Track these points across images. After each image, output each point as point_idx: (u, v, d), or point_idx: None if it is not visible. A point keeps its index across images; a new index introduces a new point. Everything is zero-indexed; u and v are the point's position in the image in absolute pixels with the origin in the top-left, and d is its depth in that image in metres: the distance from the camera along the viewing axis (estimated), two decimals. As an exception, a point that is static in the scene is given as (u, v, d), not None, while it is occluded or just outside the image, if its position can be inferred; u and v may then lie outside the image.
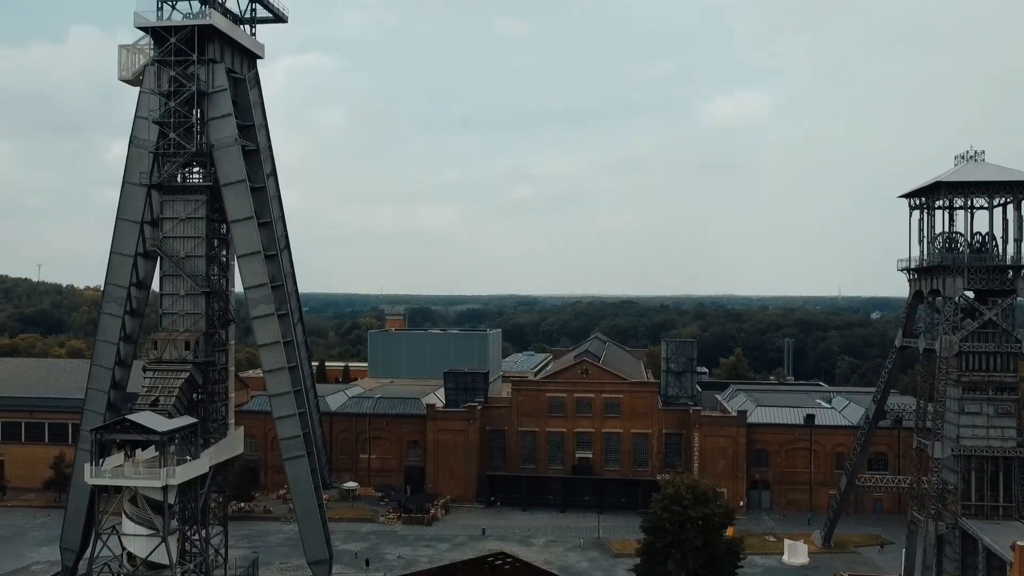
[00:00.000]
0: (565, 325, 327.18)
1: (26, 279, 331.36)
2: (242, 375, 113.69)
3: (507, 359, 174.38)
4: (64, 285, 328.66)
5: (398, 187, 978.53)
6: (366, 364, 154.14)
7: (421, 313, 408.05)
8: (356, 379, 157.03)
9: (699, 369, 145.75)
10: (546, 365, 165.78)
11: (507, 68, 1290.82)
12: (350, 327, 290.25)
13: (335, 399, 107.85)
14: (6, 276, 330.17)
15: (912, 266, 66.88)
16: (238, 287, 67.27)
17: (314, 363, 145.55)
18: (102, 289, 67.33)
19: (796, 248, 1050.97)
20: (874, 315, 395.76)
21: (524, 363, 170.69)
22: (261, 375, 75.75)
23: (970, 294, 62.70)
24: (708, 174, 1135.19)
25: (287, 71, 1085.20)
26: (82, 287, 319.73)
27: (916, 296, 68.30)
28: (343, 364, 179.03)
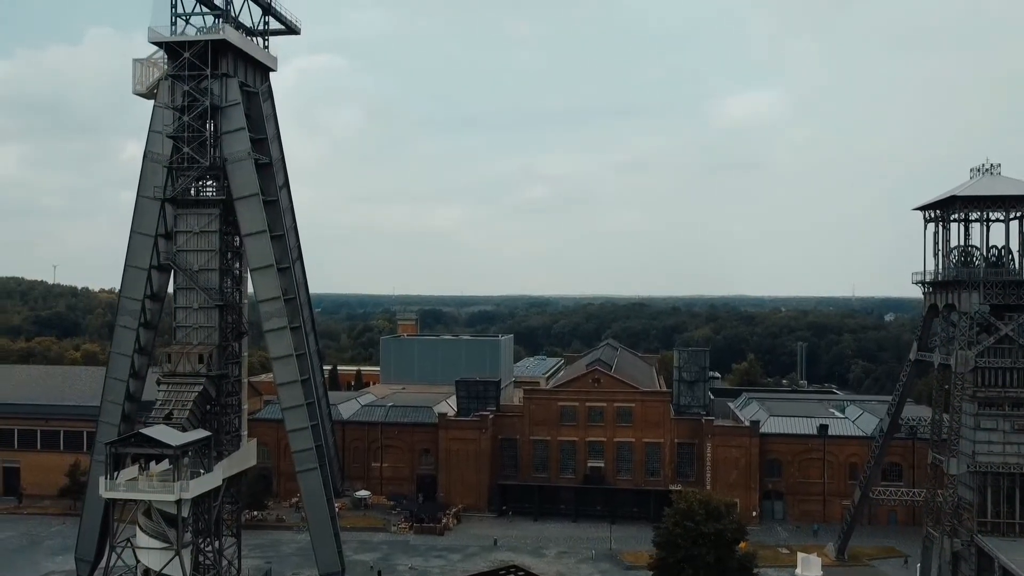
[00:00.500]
0: (577, 328, 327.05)
1: (42, 281, 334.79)
2: (254, 380, 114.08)
3: (519, 364, 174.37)
4: (79, 287, 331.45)
5: (408, 187, 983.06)
6: (378, 368, 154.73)
7: (433, 315, 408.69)
8: (368, 383, 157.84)
9: (712, 374, 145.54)
10: (558, 370, 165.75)
11: (515, 68, 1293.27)
12: (362, 330, 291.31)
13: (347, 407, 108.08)
14: (22, 278, 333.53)
15: (927, 279, 66.36)
16: (249, 288, 67.55)
17: (327, 367, 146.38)
18: (117, 298, 67.90)
19: (809, 248, 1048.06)
20: (888, 317, 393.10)
21: (536, 368, 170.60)
22: (272, 379, 75.91)
23: (986, 308, 62.07)
24: (719, 174, 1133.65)
25: (297, 72, 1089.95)
26: (97, 289, 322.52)
27: (931, 310, 67.78)
28: (355, 368, 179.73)
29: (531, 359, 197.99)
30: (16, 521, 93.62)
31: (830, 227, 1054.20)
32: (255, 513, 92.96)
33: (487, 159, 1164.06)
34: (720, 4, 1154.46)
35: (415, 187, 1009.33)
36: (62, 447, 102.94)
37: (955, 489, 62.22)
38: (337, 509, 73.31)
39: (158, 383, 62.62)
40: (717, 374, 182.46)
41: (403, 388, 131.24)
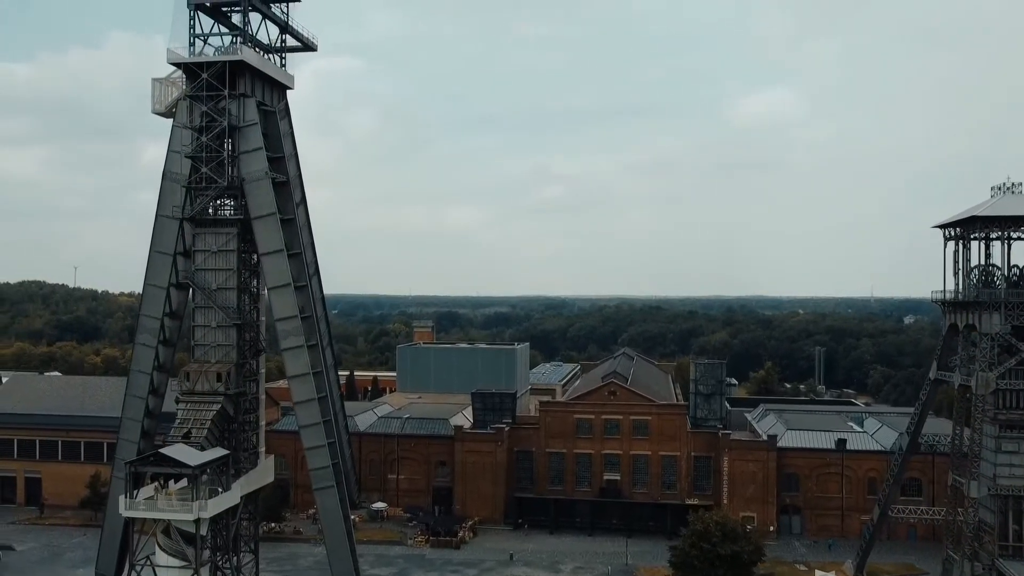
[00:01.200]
0: (593, 331, 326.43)
1: (63, 285, 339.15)
2: (270, 387, 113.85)
3: (534, 370, 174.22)
4: (100, 291, 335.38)
5: (424, 188, 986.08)
6: (395, 374, 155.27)
7: (449, 317, 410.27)
8: (385, 389, 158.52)
9: (729, 380, 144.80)
10: (574, 377, 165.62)
11: (529, 69, 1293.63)
12: (379, 333, 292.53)
13: (364, 419, 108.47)
14: (44, 281, 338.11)
15: (947, 299, 65.60)
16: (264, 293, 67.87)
17: (344, 372, 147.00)
18: (138, 302, 68.51)
19: (827, 248, 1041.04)
20: (907, 319, 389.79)
21: (552, 375, 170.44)
22: (288, 385, 75.94)
23: (1007, 329, 61.23)
24: (736, 173, 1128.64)
25: (314, 74, 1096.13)
26: (117, 292, 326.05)
27: (951, 329, 66.95)
28: (372, 374, 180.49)
29: (547, 365, 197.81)
30: (38, 532, 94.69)
31: (848, 226, 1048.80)
32: (272, 525, 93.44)
33: (502, 159, 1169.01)
34: (735, 3, 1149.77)
35: (431, 187, 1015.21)
36: (83, 458, 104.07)
37: (976, 512, 61.53)
38: (354, 521, 73.36)
39: (177, 401, 63.15)
40: (734, 380, 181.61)
41: (419, 397, 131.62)
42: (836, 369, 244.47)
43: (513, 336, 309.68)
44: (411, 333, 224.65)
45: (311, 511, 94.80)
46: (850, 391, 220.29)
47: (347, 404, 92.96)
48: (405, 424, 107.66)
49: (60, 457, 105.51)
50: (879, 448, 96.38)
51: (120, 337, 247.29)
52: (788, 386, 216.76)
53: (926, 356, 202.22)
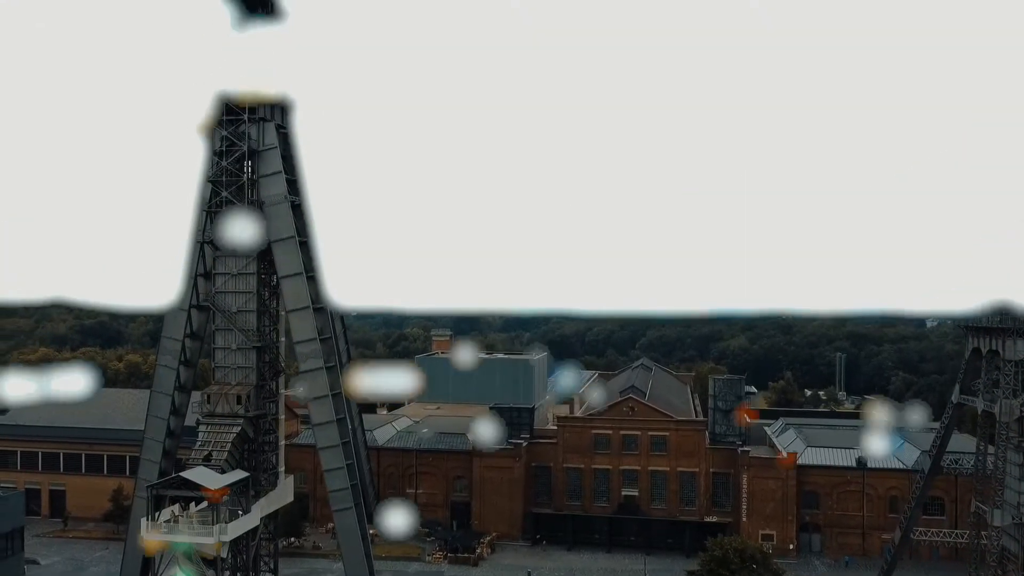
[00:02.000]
0: (611, 336, 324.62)
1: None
2: (289, 394, 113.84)
3: (552, 378, 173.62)
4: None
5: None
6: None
7: (467, 320, 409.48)
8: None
9: (748, 390, 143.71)
10: (592, 386, 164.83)
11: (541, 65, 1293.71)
12: (397, 338, 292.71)
13: (383, 432, 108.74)
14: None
15: (969, 323, 64.91)
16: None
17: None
18: (159, 333, 69.23)
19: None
20: (930, 323, 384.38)
21: (570, 383, 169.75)
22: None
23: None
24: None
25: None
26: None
27: (974, 353, 66.25)
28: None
29: (565, 373, 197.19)
30: (61, 545, 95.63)
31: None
32: (292, 540, 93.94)
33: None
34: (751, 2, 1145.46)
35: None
36: (106, 471, 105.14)
37: (999, 540, 60.81)
38: (372, 536, 73.57)
39: (197, 424, 63.76)
40: (753, 389, 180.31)
41: (437, 408, 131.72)
42: (857, 375, 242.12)
43: (531, 340, 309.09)
44: (429, 338, 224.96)
45: (331, 525, 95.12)
46: (871, 398, 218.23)
47: (366, 417, 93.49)
48: (423, 438, 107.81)
49: (83, 470, 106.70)
50: (901, 466, 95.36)
51: (142, 342, 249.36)
52: (808, 393, 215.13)
53: (948, 362, 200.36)
